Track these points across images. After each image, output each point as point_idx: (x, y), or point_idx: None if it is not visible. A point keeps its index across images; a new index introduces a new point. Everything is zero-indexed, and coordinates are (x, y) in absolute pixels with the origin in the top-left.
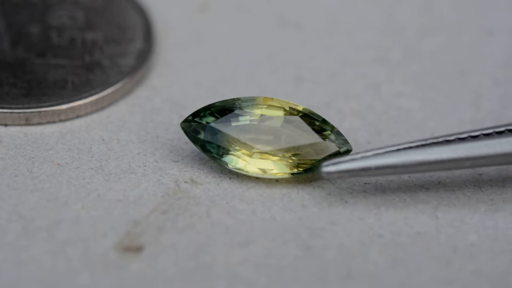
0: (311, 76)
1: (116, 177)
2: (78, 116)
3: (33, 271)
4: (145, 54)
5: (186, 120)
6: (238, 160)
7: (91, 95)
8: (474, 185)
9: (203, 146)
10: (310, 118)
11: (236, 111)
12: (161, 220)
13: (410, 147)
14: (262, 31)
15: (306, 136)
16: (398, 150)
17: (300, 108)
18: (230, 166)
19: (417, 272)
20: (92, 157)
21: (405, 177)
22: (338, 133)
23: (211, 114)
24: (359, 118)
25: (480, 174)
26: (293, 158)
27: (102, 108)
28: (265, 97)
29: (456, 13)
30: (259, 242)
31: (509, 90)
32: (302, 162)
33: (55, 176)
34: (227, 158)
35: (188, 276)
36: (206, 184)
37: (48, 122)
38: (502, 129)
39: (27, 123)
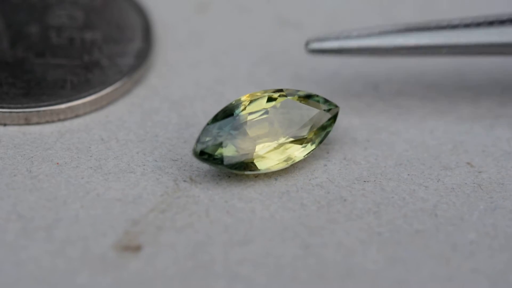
0: (311, 75)
1: (115, 176)
2: (77, 116)
3: (32, 270)
4: (144, 54)
5: (197, 150)
6: (258, 163)
7: (90, 94)
8: (473, 183)
9: (229, 166)
10: (292, 96)
11: (235, 118)
12: (160, 219)
13: (392, 31)
14: (262, 31)
15: (298, 111)
16: (381, 33)
17: (280, 91)
18: (256, 171)
19: (416, 270)
20: (91, 156)
21: (404, 175)
22: (324, 99)
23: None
24: (358, 116)
25: (479, 172)
26: (296, 137)
27: (101, 107)
28: (246, 95)
29: (455, 13)
30: (258, 240)
31: (508, 88)
32: (308, 137)
33: (54, 176)
34: (248, 166)
35: (187, 275)
36: (205, 183)
37: (47, 122)
38: (482, 20)
39: (26, 122)
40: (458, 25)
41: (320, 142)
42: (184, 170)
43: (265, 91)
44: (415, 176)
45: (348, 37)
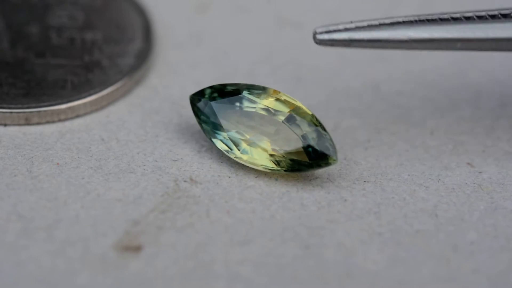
0: (311, 75)
1: (116, 177)
2: (77, 116)
3: (33, 271)
4: (144, 54)
5: (196, 94)
6: (232, 145)
7: (90, 95)
8: (474, 183)
9: (205, 122)
10: (313, 122)
11: (243, 96)
12: (161, 219)
13: (404, 22)
14: (262, 31)
15: (301, 139)
16: (392, 23)
17: (307, 110)
18: (222, 148)
19: (417, 270)
20: (91, 156)
21: (405, 175)
22: (332, 142)
23: (221, 93)
24: (358, 117)
25: (480, 172)
26: (285, 156)
27: (102, 107)
28: (275, 90)
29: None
30: (258, 241)
31: (509, 88)
32: (292, 161)
33: (54, 176)
34: (220, 140)
35: (188, 276)
36: (205, 183)
37: (48, 122)
38: (496, 12)
39: (27, 123)
40: (472, 17)
41: (293, 171)
42: (185, 170)
43: (295, 101)
44: (415, 176)
45: (358, 28)
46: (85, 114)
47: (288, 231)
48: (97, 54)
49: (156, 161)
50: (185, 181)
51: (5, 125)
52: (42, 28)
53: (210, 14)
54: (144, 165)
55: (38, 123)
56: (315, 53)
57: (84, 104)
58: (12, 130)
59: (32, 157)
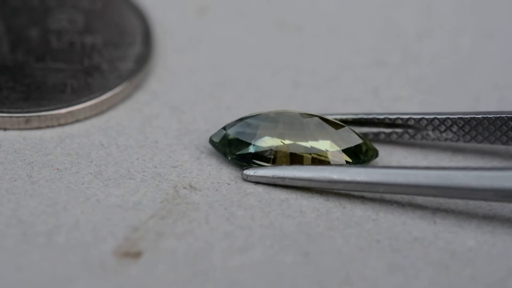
0: (310, 80)
1: (115, 183)
2: (77, 121)
3: (33, 276)
4: (144, 58)
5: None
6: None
7: (90, 99)
8: None
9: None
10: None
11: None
12: (160, 225)
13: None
14: (261, 35)
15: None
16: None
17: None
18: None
19: (415, 277)
20: (91, 162)
21: None
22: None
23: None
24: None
25: None
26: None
27: (101, 112)
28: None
29: (455, 17)
30: (257, 248)
31: (508, 93)
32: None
33: (54, 181)
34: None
35: (187, 282)
36: (204, 190)
37: (47, 127)
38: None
39: (27, 127)
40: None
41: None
42: (184, 177)
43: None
44: None
45: (283, 167)
46: (85, 118)
47: (287, 238)
48: (96, 58)
49: (155, 167)
50: (184, 188)
51: (5, 129)
52: (42, 31)
53: (210, 18)
54: (144, 171)
55: (38, 128)
56: (314, 57)
57: (84, 108)
58: (12, 134)
59: (32, 162)
